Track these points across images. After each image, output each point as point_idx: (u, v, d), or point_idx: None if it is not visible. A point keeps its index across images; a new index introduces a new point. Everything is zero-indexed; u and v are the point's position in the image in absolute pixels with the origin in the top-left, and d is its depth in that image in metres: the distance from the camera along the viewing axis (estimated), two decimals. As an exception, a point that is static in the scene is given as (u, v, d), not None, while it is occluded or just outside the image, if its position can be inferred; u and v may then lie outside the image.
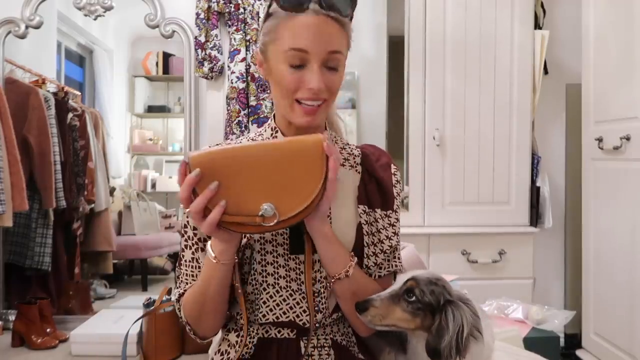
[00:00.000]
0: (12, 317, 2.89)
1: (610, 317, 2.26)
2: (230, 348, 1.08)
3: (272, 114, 1.11)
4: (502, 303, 2.11)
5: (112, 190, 3.62)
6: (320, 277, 1.03)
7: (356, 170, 1.11)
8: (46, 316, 2.82)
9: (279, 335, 1.04)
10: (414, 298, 0.98)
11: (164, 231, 3.72)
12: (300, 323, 1.03)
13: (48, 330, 2.80)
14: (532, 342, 1.79)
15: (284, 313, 1.03)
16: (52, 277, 3.17)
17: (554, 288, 2.93)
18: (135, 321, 1.40)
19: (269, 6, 0.99)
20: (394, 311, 0.98)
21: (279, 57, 0.98)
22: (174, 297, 1.11)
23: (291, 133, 1.05)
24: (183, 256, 1.07)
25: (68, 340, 2.80)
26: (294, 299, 1.02)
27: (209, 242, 0.97)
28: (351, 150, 1.14)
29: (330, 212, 1.05)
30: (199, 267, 1.05)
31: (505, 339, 1.62)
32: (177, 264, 1.10)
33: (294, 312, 1.03)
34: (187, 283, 1.07)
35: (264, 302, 1.03)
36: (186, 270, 1.07)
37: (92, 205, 3.38)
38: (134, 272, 3.83)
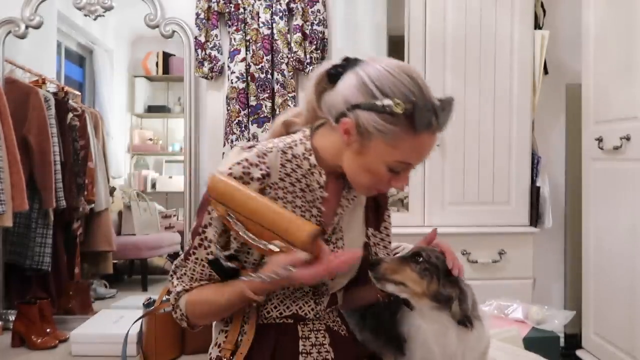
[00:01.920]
0: (12, 317, 2.89)
1: (610, 317, 2.26)
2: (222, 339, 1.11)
3: (308, 147, 1.08)
4: (502, 303, 2.11)
5: (112, 190, 3.63)
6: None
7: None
8: (46, 316, 2.82)
9: (277, 321, 1.09)
10: (421, 259, 1.08)
11: (164, 231, 3.72)
12: (302, 314, 1.09)
13: (48, 330, 2.80)
14: (532, 342, 1.79)
15: (288, 307, 1.09)
16: (52, 277, 3.17)
17: (554, 288, 2.93)
18: (135, 321, 1.40)
19: (397, 103, 0.96)
20: (404, 270, 1.07)
21: (384, 158, 1.00)
22: (172, 294, 1.10)
23: (330, 184, 1.09)
24: (194, 253, 1.06)
25: (68, 340, 2.80)
26: (298, 294, 1.10)
27: (245, 281, 1.00)
28: None
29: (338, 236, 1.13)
30: (209, 273, 1.07)
31: (505, 339, 1.62)
32: (183, 256, 1.09)
33: (297, 305, 1.09)
34: (192, 280, 1.08)
35: (269, 300, 1.09)
36: (194, 267, 1.07)
37: (92, 205, 3.38)
38: (134, 272, 3.83)
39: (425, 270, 1.07)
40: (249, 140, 2.56)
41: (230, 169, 1.02)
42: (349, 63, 1.04)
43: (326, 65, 1.07)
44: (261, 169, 1.03)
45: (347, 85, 1.01)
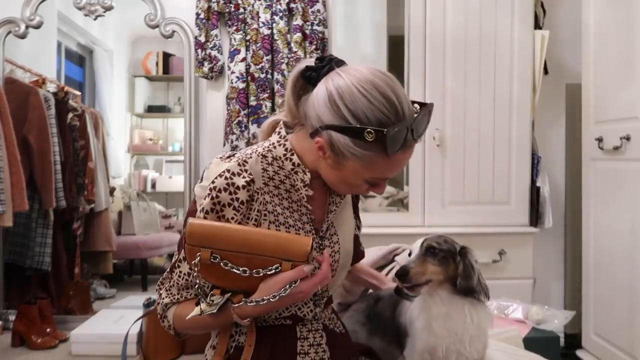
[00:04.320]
0: (12, 317, 2.89)
1: (610, 317, 2.26)
2: (211, 349, 1.13)
3: (288, 147, 1.07)
4: (502, 303, 2.11)
5: (112, 190, 3.62)
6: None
7: None
8: (46, 316, 2.82)
9: (276, 323, 1.09)
10: (435, 251, 1.14)
11: (164, 231, 3.72)
12: (301, 315, 1.09)
13: (48, 330, 2.80)
14: (532, 342, 1.78)
15: (287, 309, 1.08)
16: (52, 277, 3.17)
17: (554, 288, 2.93)
18: (135, 321, 1.40)
19: (367, 132, 0.94)
20: (427, 267, 1.13)
21: (359, 174, 1.01)
22: (160, 305, 1.11)
23: (316, 181, 1.08)
24: (179, 266, 1.07)
25: (68, 340, 2.80)
26: None
27: (235, 308, 1.00)
28: None
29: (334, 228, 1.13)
30: (194, 283, 1.05)
31: (505, 339, 1.62)
32: (169, 269, 1.09)
33: (296, 306, 1.08)
34: (177, 294, 1.08)
35: None
36: (179, 280, 1.07)
37: (92, 205, 3.38)
38: (134, 272, 3.83)
39: (443, 259, 1.14)
40: (248, 141, 2.56)
41: (213, 182, 1.01)
42: (322, 66, 1.02)
43: (301, 65, 1.05)
44: (244, 177, 1.01)
45: (319, 99, 0.98)
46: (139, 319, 1.41)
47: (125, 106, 3.81)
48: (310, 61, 1.04)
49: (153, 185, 3.79)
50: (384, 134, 0.93)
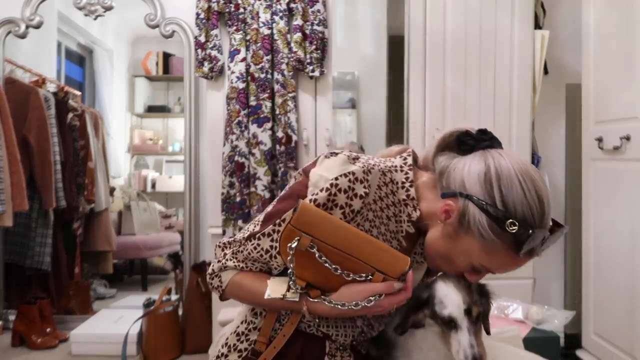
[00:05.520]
0: (12, 317, 2.89)
1: (610, 317, 2.26)
2: (253, 330, 1.08)
3: (410, 178, 1.04)
4: (502, 303, 2.11)
5: (112, 190, 3.63)
6: None
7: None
8: (46, 316, 2.82)
9: (307, 330, 1.06)
10: (479, 314, 1.06)
11: (164, 231, 3.72)
12: (352, 334, 1.07)
13: (48, 330, 2.80)
14: (532, 342, 1.78)
15: (344, 327, 1.06)
16: (52, 277, 3.17)
17: (554, 288, 2.93)
18: (135, 321, 1.40)
19: (511, 222, 0.92)
20: (479, 335, 1.05)
21: (472, 257, 0.98)
22: (218, 264, 1.06)
23: (414, 233, 1.05)
24: (260, 238, 1.02)
25: (68, 340, 2.80)
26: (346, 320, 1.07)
27: (309, 301, 0.98)
28: None
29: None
30: (266, 260, 1.02)
31: (505, 339, 1.62)
32: (247, 236, 1.04)
33: (356, 326, 1.07)
34: (243, 263, 1.04)
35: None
36: (252, 251, 1.02)
37: (92, 205, 3.38)
38: (134, 272, 3.84)
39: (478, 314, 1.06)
40: (248, 141, 2.56)
41: (336, 179, 0.98)
42: (482, 139, 1.02)
43: (460, 128, 1.04)
44: (364, 187, 0.98)
45: (472, 169, 0.96)
46: (139, 319, 1.41)
47: (125, 106, 3.81)
48: (471, 127, 1.04)
49: (153, 185, 3.80)
50: (528, 234, 0.91)
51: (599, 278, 2.35)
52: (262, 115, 2.55)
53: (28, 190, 2.77)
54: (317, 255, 0.94)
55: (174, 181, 3.65)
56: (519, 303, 2.11)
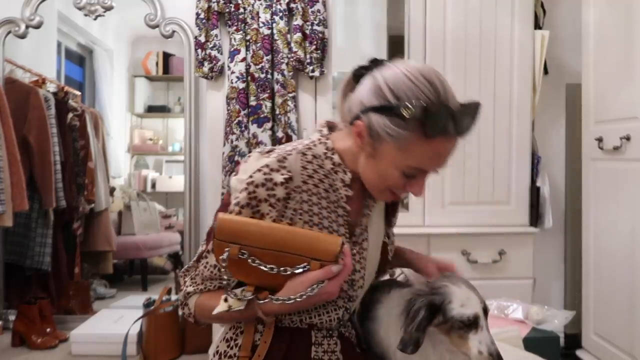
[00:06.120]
0: (12, 317, 2.89)
1: (610, 317, 2.26)
2: (240, 334, 1.09)
3: (329, 146, 1.07)
4: (502, 303, 2.11)
5: (112, 190, 3.63)
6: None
7: None
8: (46, 316, 2.82)
9: (292, 325, 1.07)
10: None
11: (164, 231, 3.72)
12: (327, 319, 1.07)
13: (48, 330, 2.80)
14: (532, 342, 1.79)
15: (318, 314, 1.07)
16: (52, 277, 3.17)
17: (554, 288, 2.93)
18: (135, 321, 1.40)
19: (404, 106, 0.93)
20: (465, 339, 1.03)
21: (395, 162, 0.98)
22: (182, 293, 1.10)
23: (355, 184, 1.07)
24: (206, 256, 1.06)
25: (68, 340, 2.80)
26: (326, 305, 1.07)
27: (260, 304, 1.00)
28: None
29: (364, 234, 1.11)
30: (218, 276, 1.06)
31: (505, 339, 1.62)
32: (196, 258, 1.09)
33: (326, 311, 1.07)
34: (201, 284, 1.08)
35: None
36: (204, 271, 1.07)
37: (92, 205, 3.38)
38: (134, 272, 3.83)
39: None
40: (248, 141, 2.56)
41: (251, 177, 1.00)
42: (373, 65, 1.03)
43: (356, 66, 1.06)
44: (282, 174, 1.00)
45: (364, 87, 1.00)
46: (139, 319, 1.41)
47: (125, 106, 3.81)
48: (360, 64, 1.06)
49: (153, 185, 3.80)
50: (424, 109, 0.92)
51: (599, 278, 2.35)
52: (262, 116, 2.55)
53: (28, 190, 2.77)
54: (249, 260, 0.96)
55: (174, 181, 3.65)
56: (519, 303, 2.11)
